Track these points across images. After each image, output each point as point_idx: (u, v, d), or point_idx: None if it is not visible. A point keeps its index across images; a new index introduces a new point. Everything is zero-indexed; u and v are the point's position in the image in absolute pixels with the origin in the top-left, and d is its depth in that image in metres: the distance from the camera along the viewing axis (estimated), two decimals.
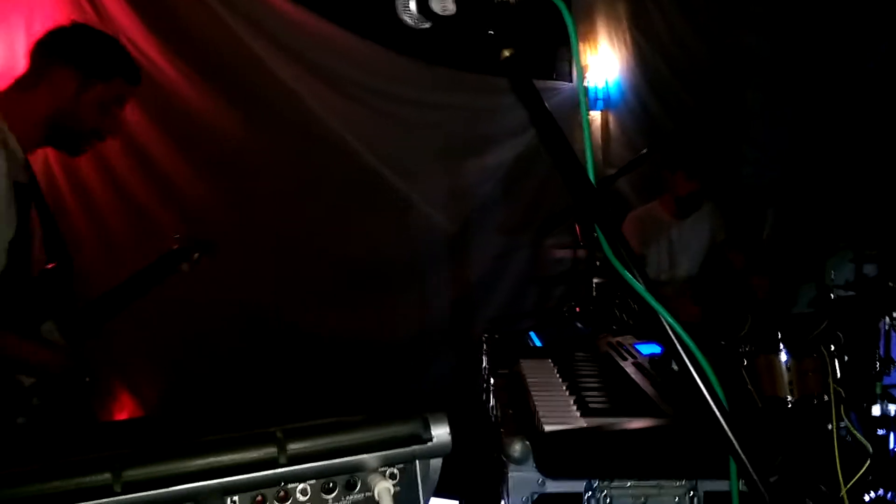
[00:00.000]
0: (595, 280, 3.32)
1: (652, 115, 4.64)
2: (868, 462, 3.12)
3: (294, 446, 0.74)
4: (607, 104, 4.62)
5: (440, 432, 0.78)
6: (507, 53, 0.99)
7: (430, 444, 0.78)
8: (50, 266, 1.86)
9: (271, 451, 0.73)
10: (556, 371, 1.66)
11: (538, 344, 2.08)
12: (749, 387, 3.10)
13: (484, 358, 1.78)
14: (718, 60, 4.88)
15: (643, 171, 4.36)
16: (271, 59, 3.54)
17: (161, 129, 3.43)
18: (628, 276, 0.84)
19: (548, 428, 1.19)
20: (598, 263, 3.18)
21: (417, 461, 0.81)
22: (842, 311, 3.42)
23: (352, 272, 3.75)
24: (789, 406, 3.08)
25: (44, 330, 1.84)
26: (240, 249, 3.41)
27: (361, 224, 3.76)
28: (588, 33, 4.53)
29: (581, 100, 1.06)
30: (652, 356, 1.71)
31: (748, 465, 0.77)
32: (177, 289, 3.06)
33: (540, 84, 4.44)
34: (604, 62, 4.61)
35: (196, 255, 2.40)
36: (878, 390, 3.14)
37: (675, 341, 0.81)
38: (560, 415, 1.27)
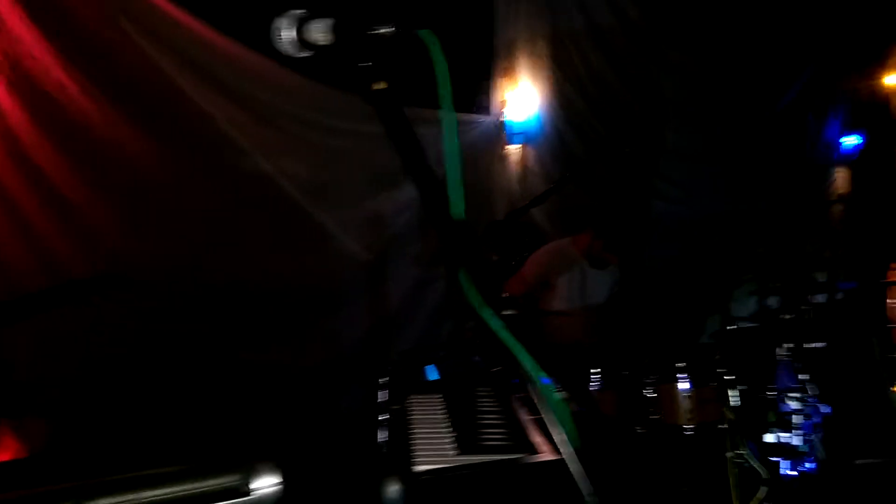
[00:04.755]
0: (506, 312, 3.37)
1: (570, 149, 4.78)
2: (763, 488, 3.25)
3: None
4: (526, 138, 4.73)
5: (264, 484, 0.73)
6: (378, 86, 1.00)
7: (250, 497, 0.73)
8: None
9: None
10: (444, 407, 1.66)
11: (435, 377, 2.08)
12: (651, 415, 3.20)
13: (379, 393, 1.77)
14: (635, 98, 5.09)
15: (559, 203, 4.48)
16: (186, 83, 3.46)
17: (64, 153, 3.27)
18: (485, 314, 0.85)
19: (419, 467, 1.18)
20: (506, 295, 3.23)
21: None
22: (738, 342, 3.58)
23: (265, 300, 3.67)
24: (689, 434, 3.18)
25: None
26: (149, 277, 3.28)
27: (276, 251, 3.69)
28: (509, 69, 4.64)
29: (446, 133, 1.06)
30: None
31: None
32: (81, 319, 2.94)
33: (460, 117, 4.52)
34: (524, 97, 4.72)
35: (107, 289, 2.30)
36: (772, 418, 3.29)
37: (529, 380, 0.82)
38: (436, 453, 1.26)
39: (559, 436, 0.79)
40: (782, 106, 5.48)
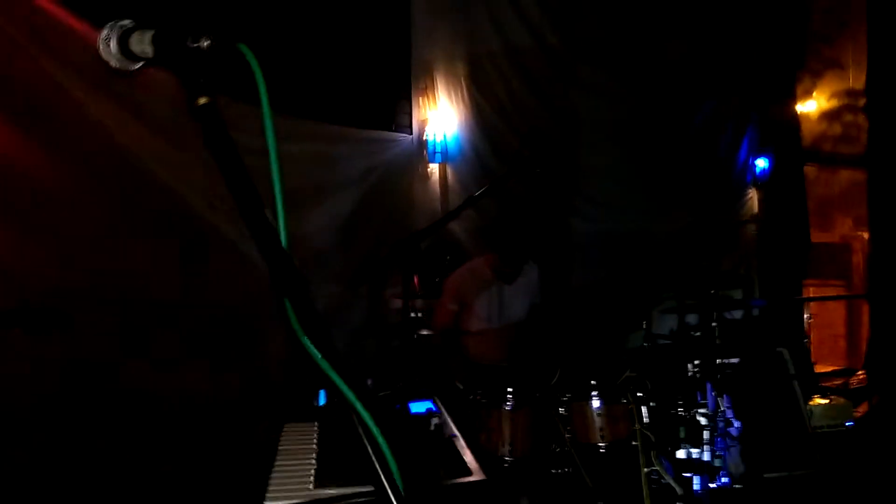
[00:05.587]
0: (421, 332, 3.33)
1: (488, 168, 4.81)
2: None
3: None
4: (445, 157, 4.73)
5: None
6: (201, 101, 0.94)
7: None
8: None
9: None
10: (315, 436, 1.59)
11: (322, 402, 2.01)
12: (564, 434, 3.19)
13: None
14: (552, 118, 5.17)
15: (479, 221, 4.48)
16: (88, 99, 3.31)
17: None
18: (312, 350, 0.79)
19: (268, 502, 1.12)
20: (419, 315, 3.20)
21: None
22: (651, 359, 3.63)
23: (173, 324, 3.51)
24: (602, 451, 3.19)
25: None
26: (51, 300, 3.09)
27: (185, 272, 3.55)
28: (427, 88, 4.64)
29: (271, 151, 1.01)
30: (417, 414, 1.69)
31: None
32: None
33: (380, 135, 4.49)
34: (443, 117, 4.73)
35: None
36: (682, 434, 3.33)
37: (356, 419, 0.77)
38: (290, 487, 1.20)
39: (387, 479, 0.74)
40: (696, 127, 5.68)
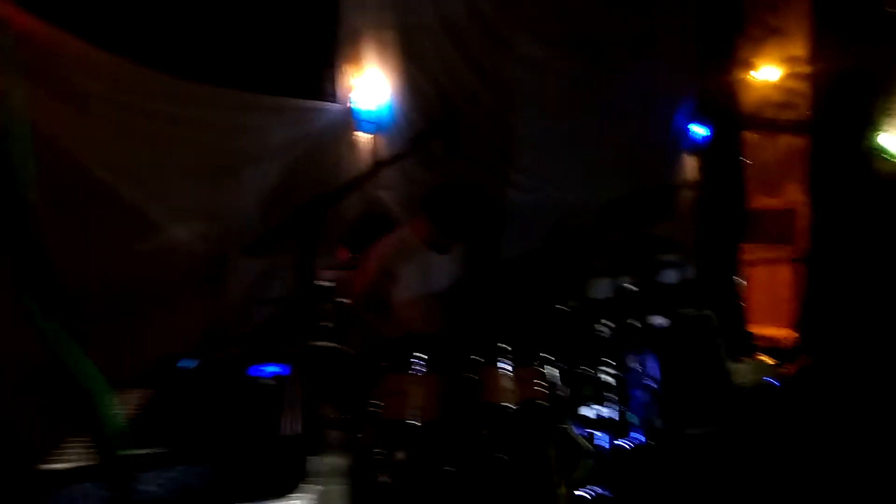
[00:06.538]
0: (337, 299, 3.34)
1: None
2: (586, 461, 3.37)
3: None
4: (378, 127, 4.71)
5: None
6: None
7: None
8: None
9: None
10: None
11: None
12: (475, 397, 3.24)
13: None
14: (487, 90, 5.17)
15: (409, 189, 4.48)
16: None
17: None
18: (45, 326, 0.81)
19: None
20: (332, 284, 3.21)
21: None
22: (563, 322, 3.70)
23: (85, 301, 3.48)
24: (512, 413, 3.25)
25: None
26: None
27: (99, 247, 3.51)
28: (355, 56, 4.60)
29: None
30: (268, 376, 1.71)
31: None
32: None
33: (306, 104, 4.45)
34: (374, 86, 4.70)
35: None
36: (588, 391, 3.42)
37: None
38: (76, 452, 1.22)
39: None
40: (633, 96, 5.70)
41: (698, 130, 6.26)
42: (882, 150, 6.88)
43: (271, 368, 1.76)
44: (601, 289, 4.89)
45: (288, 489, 1.29)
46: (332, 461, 1.68)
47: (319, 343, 2.62)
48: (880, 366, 5.15)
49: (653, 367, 4.19)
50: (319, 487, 1.21)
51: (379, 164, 2.92)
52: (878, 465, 3.79)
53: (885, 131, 6.95)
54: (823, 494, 3.54)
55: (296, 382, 1.66)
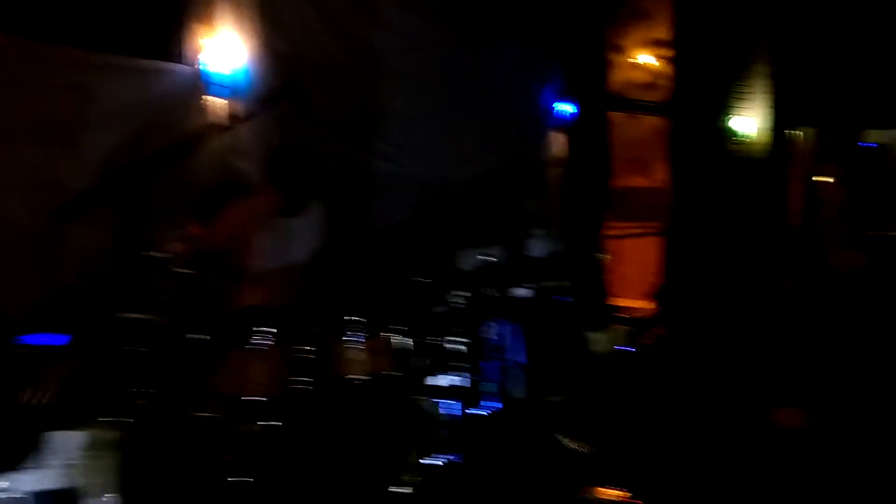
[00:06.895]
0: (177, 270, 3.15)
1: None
2: (439, 430, 3.38)
3: None
4: (232, 92, 4.47)
5: None
6: None
7: None
8: None
9: None
10: None
11: None
12: (320, 370, 3.17)
13: None
14: (351, 58, 5.04)
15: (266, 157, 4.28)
16: None
17: None
18: None
19: None
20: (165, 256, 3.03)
21: None
22: (418, 294, 3.69)
23: None
24: (360, 385, 3.20)
25: None
26: None
27: None
28: (206, 15, 4.33)
29: None
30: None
31: None
32: None
33: (151, 65, 4.15)
34: (229, 49, 4.45)
35: None
36: (442, 362, 3.43)
37: None
38: None
39: None
40: (502, 72, 5.76)
41: (565, 108, 6.42)
42: (733, 132, 7.36)
43: (43, 338, 1.60)
44: (468, 261, 4.93)
45: (13, 463, 1.17)
46: (98, 434, 1.56)
47: (126, 315, 2.44)
48: (729, 332, 5.52)
49: (512, 337, 4.27)
50: (67, 462, 1.10)
51: (213, 128, 2.75)
52: (723, 425, 4.05)
53: (737, 114, 7.43)
54: (674, 457, 3.73)
55: (72, 354, 1.51)
